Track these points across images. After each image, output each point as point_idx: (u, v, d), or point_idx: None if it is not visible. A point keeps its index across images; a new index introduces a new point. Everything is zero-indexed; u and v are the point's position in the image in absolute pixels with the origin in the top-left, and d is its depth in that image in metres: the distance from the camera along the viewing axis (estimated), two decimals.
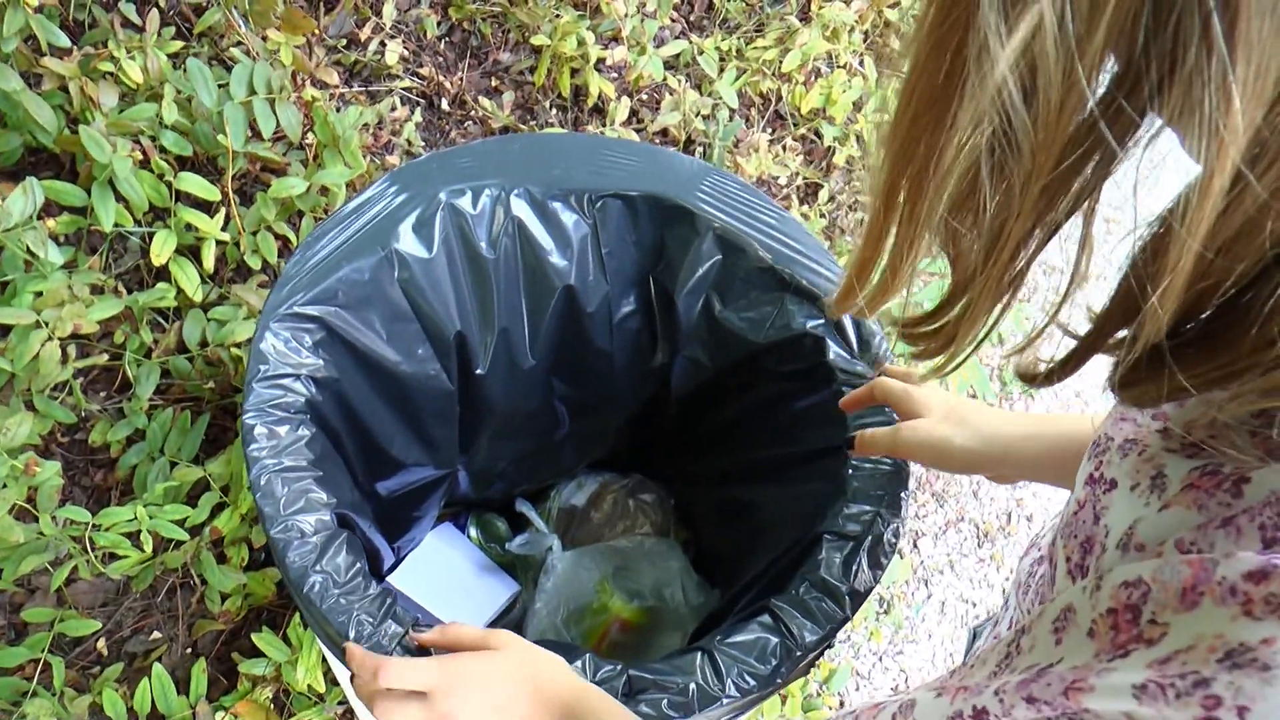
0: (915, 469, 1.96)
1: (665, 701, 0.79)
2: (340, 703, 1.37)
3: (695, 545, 1.37)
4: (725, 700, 0.80)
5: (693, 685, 0.80)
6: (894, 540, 0.90)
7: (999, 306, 0.39)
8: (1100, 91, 0.31)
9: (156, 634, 1.39)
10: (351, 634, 0.80)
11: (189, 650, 1.40)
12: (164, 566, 1.36)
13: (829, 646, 0.89)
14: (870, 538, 0.89)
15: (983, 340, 0.41)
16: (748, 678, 0.82)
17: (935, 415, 0.83)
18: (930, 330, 0.43)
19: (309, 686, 1.33)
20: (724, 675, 0.81)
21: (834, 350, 0.98)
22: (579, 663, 0.82)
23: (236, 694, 1.36)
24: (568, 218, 1.03)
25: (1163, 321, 0.35)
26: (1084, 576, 0.47)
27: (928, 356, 0.44)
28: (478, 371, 1.09)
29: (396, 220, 0.97)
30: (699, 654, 0.83)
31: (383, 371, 1.00)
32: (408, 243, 0.98)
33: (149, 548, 1.28)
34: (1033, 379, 0.43)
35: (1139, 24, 0.29)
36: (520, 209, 1.02)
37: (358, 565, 0.84)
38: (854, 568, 0.87)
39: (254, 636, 1.33)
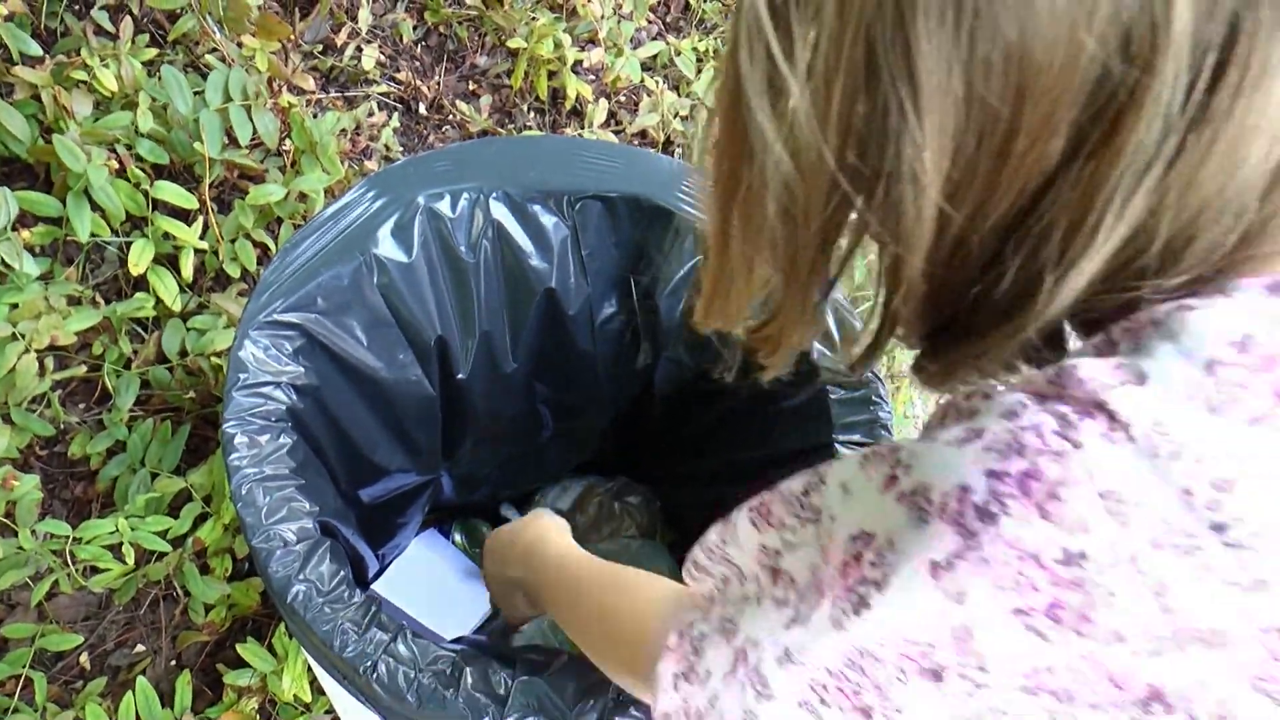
0: None
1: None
2: (327, 712, 1.36)
3: (682, 547, 1.35)
4: None
5: None
6: None
7: (805, 320, 0.50)
8: (849, 153, 0.42)
9: (140, 647, 1.38)
10: (335, 644, 0.79)
11: (173, 663, 1.39)
12: (146, 579, 1.34)
13: None
14: None
15: (800, 346, 0.53)
16: None
17: None
18: (761, 338, 0.53)
19: (295, 696, 1.32)
20: None
21: (817, 349, 0.98)
22: (568, 669, 0.81)
23: (222, 705, 1.35)
24: (547, 220, 1.02)
25: (909, 321, 0.48)
26: None
27: (765, 358, 0.54)
28: (459, 376, 1.08)
29: (375, 225, 0.96)
30: None
31: (364, 378, 0.99)
32: (387, 248, 0.97)
33: (131, 560, 1.27)
34: (849, 368, 0.56)
35: (857, 103, 0.40)
36: (499, 212, 1.01)
37: (341, 574, 0.83)
38: None
39: (239, 647, 1.32)
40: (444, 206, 0.99)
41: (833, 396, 0.96)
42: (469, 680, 0.79)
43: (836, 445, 0.94)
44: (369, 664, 0.79)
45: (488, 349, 1.08)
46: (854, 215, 0.44)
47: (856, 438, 0.94)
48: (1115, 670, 0.39)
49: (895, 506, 0.43)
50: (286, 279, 0.93)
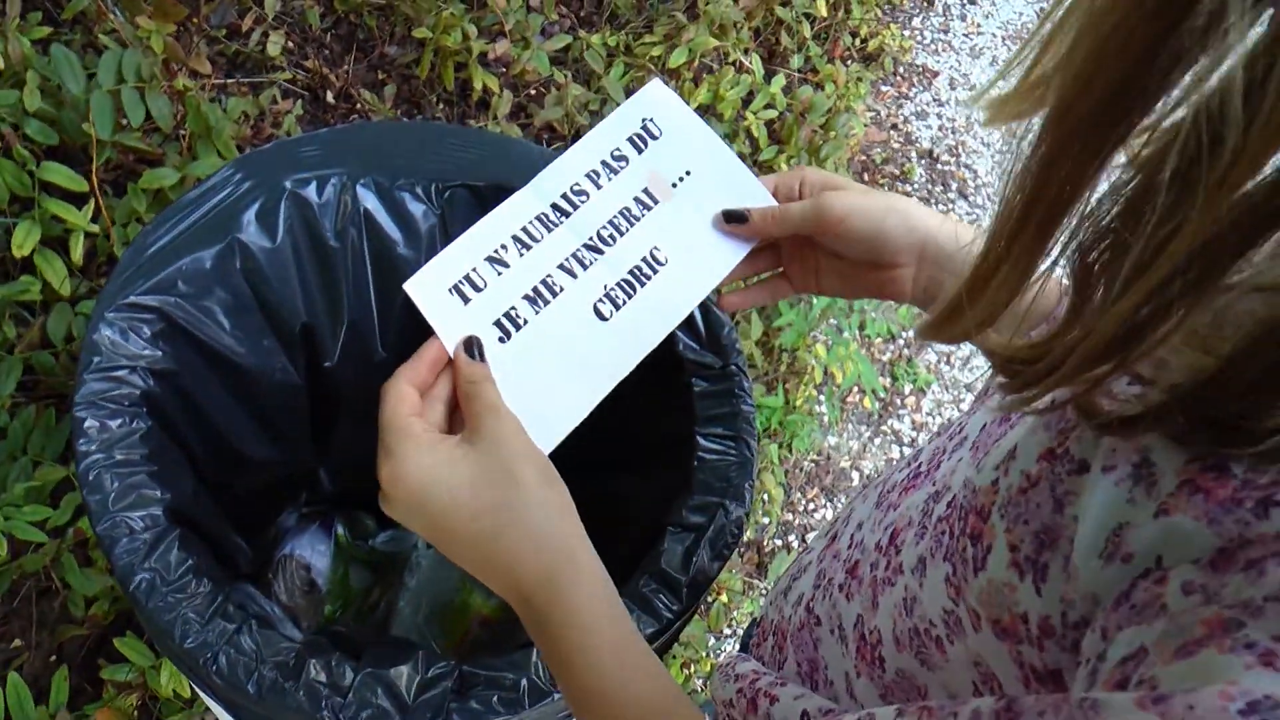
0: (770, 460, 1.96)
1: (495, 698, 0.78)
2: (207, 710, 1.34)
3: None
4: (557, 696, 0.79)
5: (524, 681, 0.79)
6: (737, 530, 0.89)
7: (1118, 340, 0.36)
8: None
9: (18, 642, 1.35)
10: (176, 634, 0.78)
11: (53, 658, 1.36)
12: (23, 571, 1.31)
13: (672, 639, 0.88)
14: (713, 528, 0.88)
15: (1101, 380, 0.38)
16: None
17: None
18: (1032, 364, 0.40)
19: (174, 692, 1.30)
20: None
21: (683, 341, 0.98)
22: (413, 661, 0.80)
23: (100, 702, 1.32)
24: (415, 208, 1.01)
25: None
26: (1036, 573, 0.43)
27: (1017, 390, 0.41)
28: (326, 365, 1.06)
29: (240, 209, 0.94)
30: (535, 650, 0.82)
31: (226, 364, 0.97)
32: (251, 232, 0.95)
33: (4, 551, 1.24)
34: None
35: None
36: (367, 199, 0.99)
37: (189, 563, 0.82)
38: (694, 559, 0.87)
39: (117, 641, 1.29)
40: (310, 192, 0.97)
41: (696, 389, 0.96)
42: (311, 672, 0.78)
43: (698, 439, 0.93)
44: (210, 655, 0.77)
45: (356, 337, 1.07)
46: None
47: (719, 430, 0.94)
48: None
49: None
50: (146, 261, 0.91)
